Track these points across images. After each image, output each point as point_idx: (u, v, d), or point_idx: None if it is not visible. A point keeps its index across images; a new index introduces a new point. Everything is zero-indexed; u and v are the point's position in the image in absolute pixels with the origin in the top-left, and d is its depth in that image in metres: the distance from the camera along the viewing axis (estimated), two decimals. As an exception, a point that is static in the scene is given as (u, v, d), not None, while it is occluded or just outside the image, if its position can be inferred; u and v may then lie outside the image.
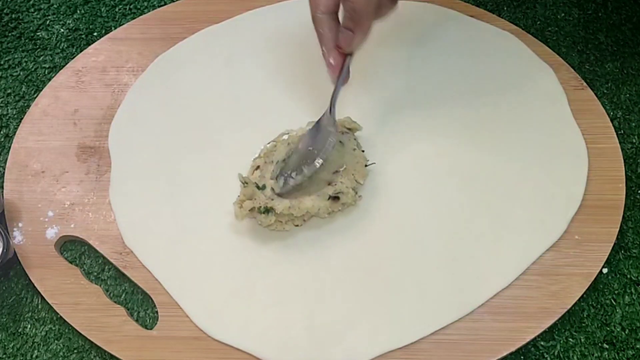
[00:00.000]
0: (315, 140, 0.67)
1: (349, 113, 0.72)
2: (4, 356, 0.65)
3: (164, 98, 0.75)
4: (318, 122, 0.68)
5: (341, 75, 0.67)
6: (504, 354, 0.62)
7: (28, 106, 0.77)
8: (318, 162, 0.65)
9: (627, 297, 0.66)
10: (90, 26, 0.83)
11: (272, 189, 0.66)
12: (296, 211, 0.65)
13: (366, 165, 0.69)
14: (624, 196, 0.68)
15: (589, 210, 0.67)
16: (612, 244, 0.66)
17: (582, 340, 0.64)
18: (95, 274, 0.68)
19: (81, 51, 0.80)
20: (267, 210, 0.65)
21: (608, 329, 0.64)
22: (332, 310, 0.63)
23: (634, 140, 0.73)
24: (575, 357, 0.63)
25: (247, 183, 0.65)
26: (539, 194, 0.68)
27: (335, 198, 0.66)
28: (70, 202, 0.70)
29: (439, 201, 0.68)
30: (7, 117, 0.77)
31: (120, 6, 0.84)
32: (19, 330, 0.66)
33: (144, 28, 0.80)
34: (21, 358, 0.65)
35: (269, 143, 0.71)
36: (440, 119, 0.73)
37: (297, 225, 0.67)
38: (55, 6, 0.85)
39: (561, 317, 0.63)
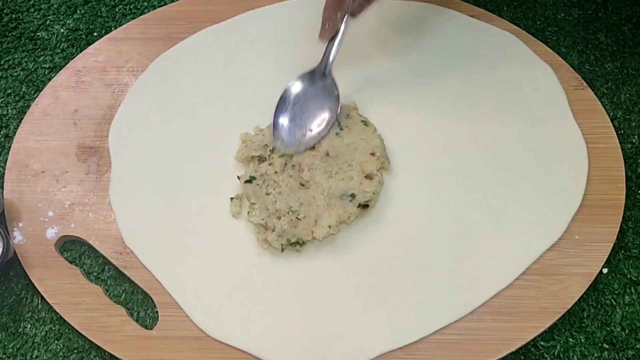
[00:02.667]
0: (317, 95, 0.70)
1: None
2: (4, 356, 0.65)
3: (164, 98, 0.75)
4: (310, 76, 0.71)
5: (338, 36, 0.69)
6: (504, 354, 0.62)
7: (28, 106, 0.77)
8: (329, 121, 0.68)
9: (627, 297, 0.66)
10: (90, 26, 0.83)
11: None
12: (319, 234, 0.65)
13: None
14: (624, 196, 0.68)
15: (589, 210, 0.67)
16: (612, 244, 0.66)
17: (582, 340, 0.64)
18: (95, 274, 0.68)
19: (81, 51, 0.80)
20: (298, 243, 0.65)
21: (608, 329, 0.64)
22: (332, 310, 0.63)
23: (634, 140, 0.73)
24: (575, 357, 0.63)
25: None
26: (539, 194, 0.68)
27: (364, 206, 0.67)
28: (70, 202, 0.70)
29: (439, 201, 0.68)
30: (7, 117, 0.77)
31: (120, 6, 0.84)
32: (19, 330, 0.66)
33: (144, 28, 0.80)
34: (21, 358, 0.65)
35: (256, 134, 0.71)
36: (440, 119, 0.73)
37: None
38: (55, 6, 0.85)
39: (561, 317, 0.63)
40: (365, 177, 0.67)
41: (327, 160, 0.68)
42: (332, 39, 0.70)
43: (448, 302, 0.63)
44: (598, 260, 0.65)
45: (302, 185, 0.67)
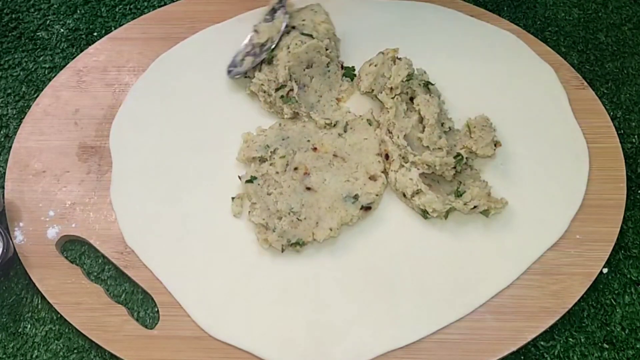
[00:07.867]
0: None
1: (350, 113, 0.72)
2: (4, 356, 0.65)
3: (165, 98, 0.75)
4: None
5: None
6: (505, 353, 0.62)
7: (28, 106, 0.77)
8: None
9: (627, 297, 0.66)
10: (91, 26, 0.83)
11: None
12: (320, 235, 0.65)
13: None
14: (624, 196, 0.68)
15: (589, 209, 0.68)
16: (612, 244, 0.66)
17: (582, 340, 0.64)
18: (96, 273, 0.68)
19: (81, 51, 0.80)
20: (298, 244, 0.65)
21: (608, 329, 0.64)
22: (333, 310, 0.63)
23: (634, 140, 0.74)
24: (575, 357, 0.63)
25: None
26: (540, 193, 0.68)
27: (367, 208, 0.67)
28: (71, 202, 0.70)
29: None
30: (7, 117, 0.77)
31: (121, 6, 0.84)
32: (19, 330, 0.66)
33: (145, 28, 0.80)
34: (21, 358, 0.65)
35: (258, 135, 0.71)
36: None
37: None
38: (55, 6, 0.85)
39: (561, 317, 0.63)
40: (370, 178, 0.67)
41: (332, 162, 0.68)
42: None
43: (449, 301, 0.63)
44: (599, 260, 0.65)
45: (309, 189, 0.67)
